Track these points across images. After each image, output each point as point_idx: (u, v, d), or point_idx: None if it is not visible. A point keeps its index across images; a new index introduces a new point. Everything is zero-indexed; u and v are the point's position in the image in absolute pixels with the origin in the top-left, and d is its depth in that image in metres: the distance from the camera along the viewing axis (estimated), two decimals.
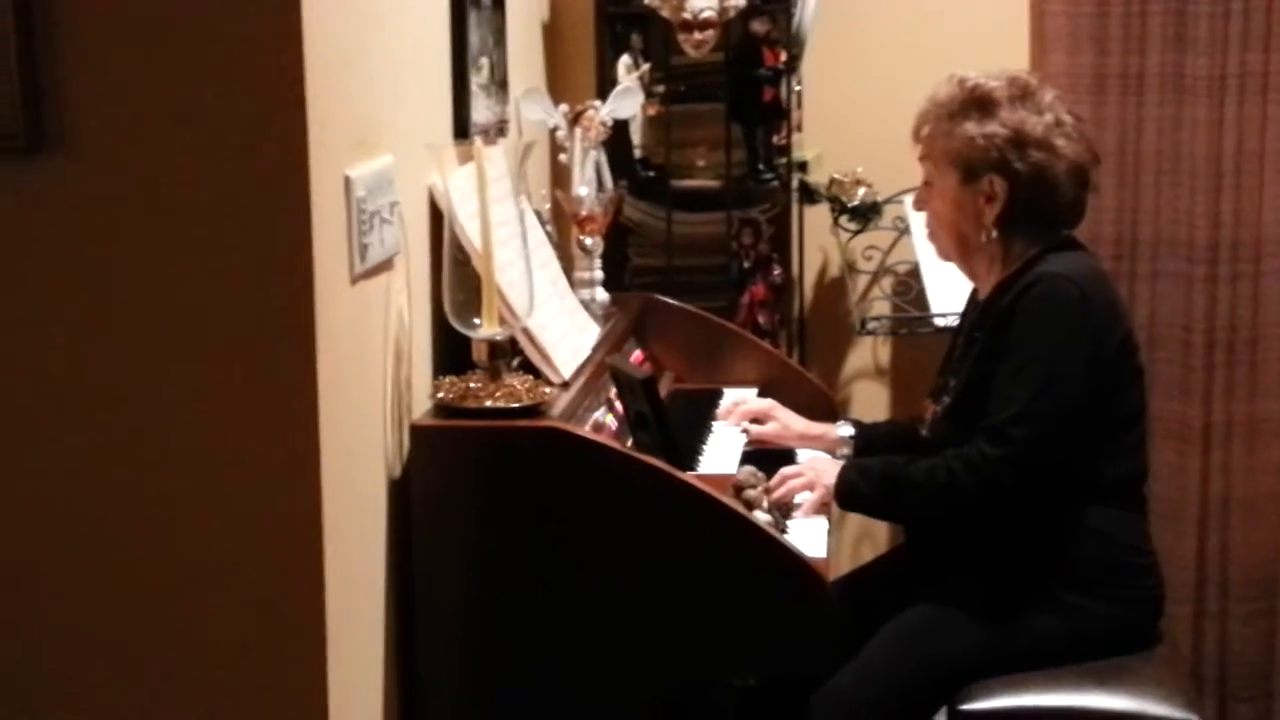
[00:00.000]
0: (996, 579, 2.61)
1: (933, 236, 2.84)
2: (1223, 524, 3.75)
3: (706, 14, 3.24)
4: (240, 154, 1.91)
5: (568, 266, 3.02)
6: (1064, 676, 2.56)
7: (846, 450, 2.98)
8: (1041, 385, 2.51)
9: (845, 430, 3.00)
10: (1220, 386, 3.70)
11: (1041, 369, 2.51)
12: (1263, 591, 3.77)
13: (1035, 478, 2.53)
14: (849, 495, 2.65)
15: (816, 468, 2.70)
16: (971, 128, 2.66)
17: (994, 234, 2.68)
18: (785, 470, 2.69)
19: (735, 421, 3.02)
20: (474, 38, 2.68)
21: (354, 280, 2.09)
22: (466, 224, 2.36)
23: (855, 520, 3.70)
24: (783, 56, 3.39)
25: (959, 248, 2.76)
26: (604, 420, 2.67)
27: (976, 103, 2.68)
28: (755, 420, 3.03)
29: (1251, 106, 3.60)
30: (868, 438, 2.99)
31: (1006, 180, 2.65)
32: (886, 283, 3.74)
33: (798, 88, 3.54)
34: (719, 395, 3.17)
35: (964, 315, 2.93)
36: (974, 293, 2.88)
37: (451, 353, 2.49)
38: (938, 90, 2.75)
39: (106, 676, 2.03)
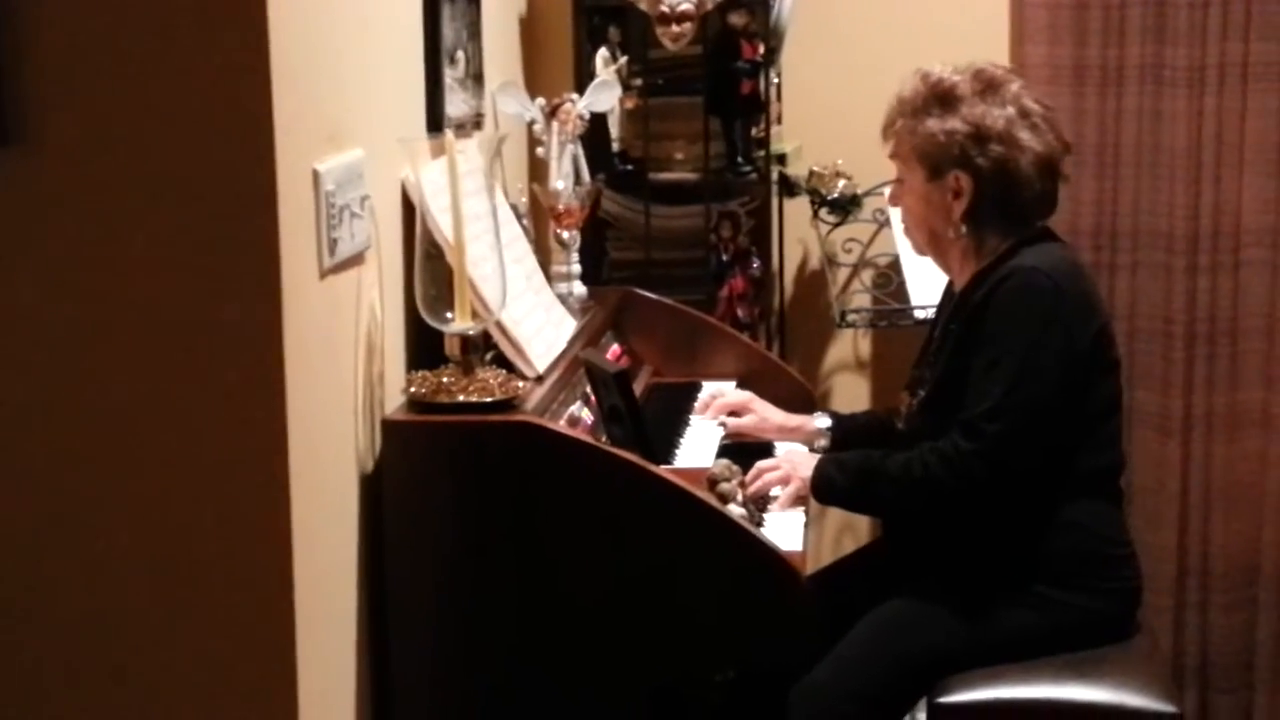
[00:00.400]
0: (974, 572, 2.61)
1: (907, 232, 2.85)
2: (1203, 515, 3.75)
3: (684, 7, 3.23)
4: (206, 147, 1.90)
5: (545, 260, 3.01)
6: (1042, 668, 2.56)
7: (824, 442, 2.97)
8: (1015, 379, 2.50)
9: (823, 422, 3.00)
10: (1200, 377, 3.70)
11: (1015, 362, 2.51)
12: (1243, 582, 3.77)
13: (1010, 471, 2.52)
14: (825, 489, 2.64)
15: (793, 461, 2.70)
16: (933, 124, 2.66)
17: (963, 229, 2.68)
18: (761, 464, 2.68)
19: (713, 415, 3.01)
20: (448, 31, 2.67)
21: (323, 275, 2.08)
22: (439, 217, 2.35)
23: (837, 513, 3.70)
24: (761, 49, 3.38)
25: (931, 243, 2.77)
26: (580, 415, 2.66)
27: (939, 98, 2.68)
28: (733, 413, 3.02)
29: (1231, 97, 3.59)
30: (845, 429, 2.99)
31: (970, 175, 2.65)
32: (867, 275, 3.74)
33: (776, 80, 3.53)
34: (697, 389, 3.16)
35: (940, 308, 2.93)
36: (950, 285, 2.87)
37: (425, 347, 2.48)
38: (903, 87, 2.75)
39: (69, 674, 2.02)
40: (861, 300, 3.72)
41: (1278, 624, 3.76)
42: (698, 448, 2.83)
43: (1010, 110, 2.65)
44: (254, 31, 1.87)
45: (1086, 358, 2.58)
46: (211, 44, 1.88)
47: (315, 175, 2.05)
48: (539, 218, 3.11)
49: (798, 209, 3.68)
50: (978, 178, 2.65)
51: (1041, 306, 2.53)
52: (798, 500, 2.64)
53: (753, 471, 2.65)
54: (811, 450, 2.97)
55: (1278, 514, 3.73)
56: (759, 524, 2.50)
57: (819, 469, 2.64)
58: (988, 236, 2.68)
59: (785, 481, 2.64)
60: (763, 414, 3.02)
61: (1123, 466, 2.72)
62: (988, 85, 2.68)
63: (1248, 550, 3.75)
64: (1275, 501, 3.73)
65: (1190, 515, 3.74)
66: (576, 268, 3.08)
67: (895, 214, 3.56)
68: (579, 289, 3.07)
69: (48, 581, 2.01)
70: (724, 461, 2.50)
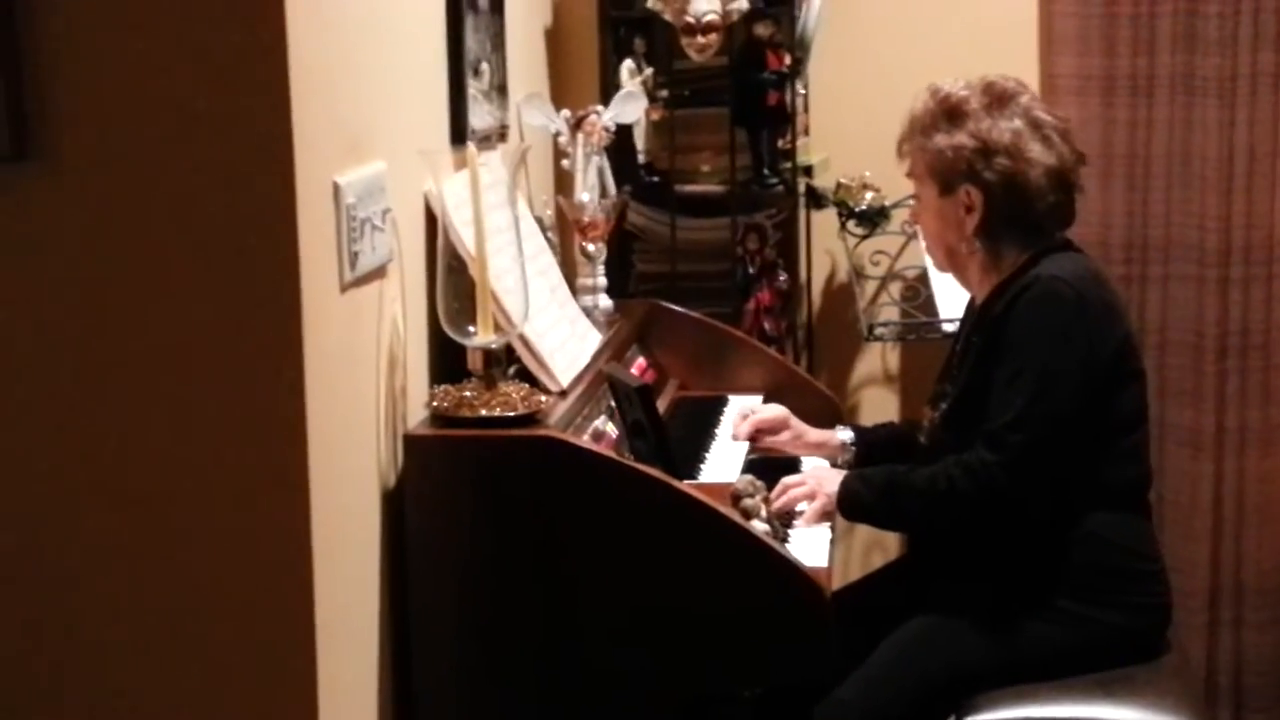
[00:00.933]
0: (999, 587, 2.58)
1: (929, 249, 2.85)
2: (1236, 531, 3.71)
3: (710, 17, 3.21)
4: (224, 160, 1.89)
5: (570, 273, 2.99)
6: (1070, 686, 2.52)
7: (849, 456, 2.95)
8: (1038, 390, 2.48)
9: (846, 435, 2.97)
10: (1233, 392, 3.66)
11: (1037, 373, 2.48)
12: (1277, 599, 3.72)
13: (1033, 482, 2.49)
14: (851, 504, 2.62)
15: (819, 476, 2.67)
16: (941, 139, 2.65)
17: (976, 244, 2.66)
18: (787, 480, 2.66)
19: (744, 435, 2.96)
20: (471, 42, 2.66)
21: (344, 288, 2.07)
22: (461, 230, 2.34)
23: (865, 529, 3.66)
24: (787, 60, 3.36)
25: (948, 258, 2.76)
26: (604, 429, 2.63)
27: (947, 114, 2.66)
28: (769, 431, 2.99)
29: (1263, 107, 3.56)
30: (868, 442, 2.96)
31: (980, 189, 2.63)
32: (894, 288, 3.71)
33: (803, 91, 3.50)
34: (724, 403, 3.14)
35: (962, 322, 2.90)
36: (971, 299, 2.84)
37: (447, 361, 2.46)
38: (915, 104, 2.74)
39: (93, 690, 2.01)
40: (889, 313, 3.69)
41: None
42: (723, 463, 2.80)
43: (1018, 123, 2.63)
44: (273, 42, 1.86)
45: (1109, 367, 2.55)
46: (230, 55, 1.87)
47: (336, 188, 2.03)
48: (564, 230, 3.09)
49: (825, 221, 3.65)
50: (987, 192, 2.63)
51: (1063, 316, 2.51)
52: (824, 516, 2.61)
53: (779, 487, 2.62)
54: (836, 465, 2.95)
55: None
56: (784, 540, 2.47)
57: (844, 485, 2.61)
58: (1004, 249, 2.66)
59: (811, 497, 2.61)
60: (798, 430, 2.99)
61: (1150, 479, 2.68)
62: (997, 98, 2.66)
63: None
64: None
65: (1223, 531, 3.70)
66: (602, 280, 3.06)
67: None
68: (604, 302, 3.05)
69: (74, 599, 1.99)
70: (748, 477, 2.48)
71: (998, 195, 2.63)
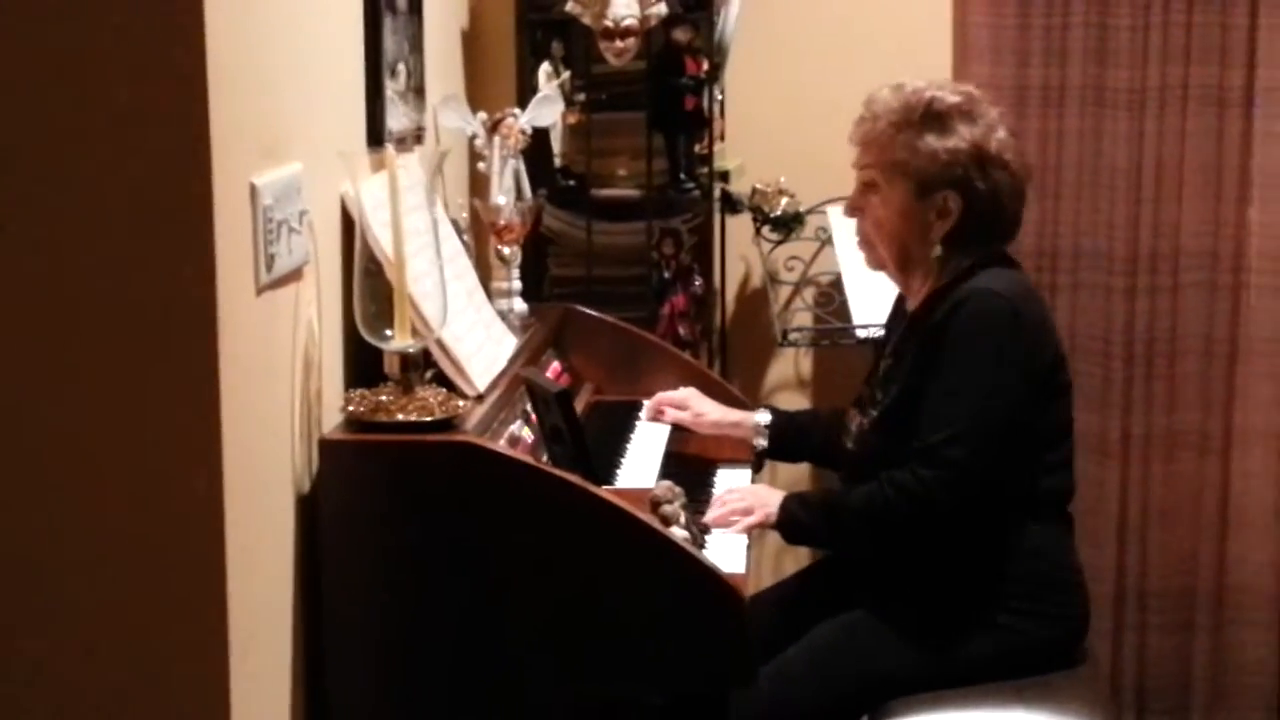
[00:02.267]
0: (927, 594, 2.59)
1: (866, 245, 2.76)
2: (1141, 536, 3.77)
3: (628, 22, 3.21)
4: (140, 159, 1.84)
5: (485, 277, 2.97)
6: (987, 693, 2.54)
7: (763, 439, 2.96)
8: (974, 405, 2.48)
9: (763, 417, 2.98)
10: (1139, 398, 3.71)
11: (974, 388, 2.48)
12: (1180, 604, 3.79)
13: (971, 496, 2.50)
14: (790, 527, 2.61)
15: (757, 493, 2.66)
16: (933, 141, 2.59)
17: (939, 249, 2.64)
18: (723, 494, 2.66)
19: (652, 410, 3.00)
20: (389, 43, 2.63)
21: (260, 291, 2.03)
22: (379, 233, 2.31)
23: (772, 535, 3.67)
24: (705, 65, 3.36)
25: (899, 259, 2.69)
26: (520, 434, 2.62)
27: (936, 116, 2.61)
28: (674, 407, 3.02)
29: (1171, 119, 3.61)
30: (784, 427, 2.97)
31: (963, 197, 2.60)
32: (809, 293, 3.72)
33: (720, 97, 3.51)
34: (639, 408, 3.12)
35: (890, 325, 2.90)
36: (899, 303, 2.85)
37: (362, 366, 2.43)
38: (881, 97, 2.67)
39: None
40: (803, 319, 3.71)
41: (1214, 646, 3.78)
42: (639, 468, 2.80)
43: (1001, 133, 2.63)
44: (192, 41, 1.82)
45: (1044, 381, 2.56)
46: (147, 53, 1.83)
47: (253, 189, 2.00)
48: (479, 233, 3.07)
49: (740, 226, 3.66)
50: (971, 199, 2.60)
51: (1000, 331, 2.51)
52: (750, 529, 2.61)
53: (716, 500, 2.63)
54: (754, 449, 2.97)
55: (1214, 535, 3.75)
56: (701, 546, 2.47)
57: (783, 509, 2.60)
58: (954, 257, 2.64)
59: (748, 513, 2.60)
60: (698, 409, 3.01)
61: (1074, 491, 2.70)
62: (979, 105, 2.64)
63: (1184, 572, 3.77)
64: (1212, 523, 3.75)
65: (1128, 536, 3.76)
66: (517, 284, 3.04)
67: (839, 231, 3.57)
68: (519, 306, 3.03)
69: None
70: (666, 483, 2.47)
71: (979, 205, 2.61)
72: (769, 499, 2.65)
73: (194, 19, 1.82)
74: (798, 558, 3.77)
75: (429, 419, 2.27)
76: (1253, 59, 3.59)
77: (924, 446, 2.51)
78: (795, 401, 3.83)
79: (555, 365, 3.07)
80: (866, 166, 2.69)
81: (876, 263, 2.76)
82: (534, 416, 2.68)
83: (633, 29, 3.22)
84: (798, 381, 3.86)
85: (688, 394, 3.04)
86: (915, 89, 2.65)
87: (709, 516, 2.61)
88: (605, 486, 2.49)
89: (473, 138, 3.03)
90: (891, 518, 2.52)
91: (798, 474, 3.62)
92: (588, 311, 3.22)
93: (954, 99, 2.62)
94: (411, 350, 2.29)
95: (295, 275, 2.18)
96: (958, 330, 2.52)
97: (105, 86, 1.84)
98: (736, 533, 2.60)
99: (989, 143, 2.60)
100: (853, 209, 2.75)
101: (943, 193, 2.60)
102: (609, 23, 3.21)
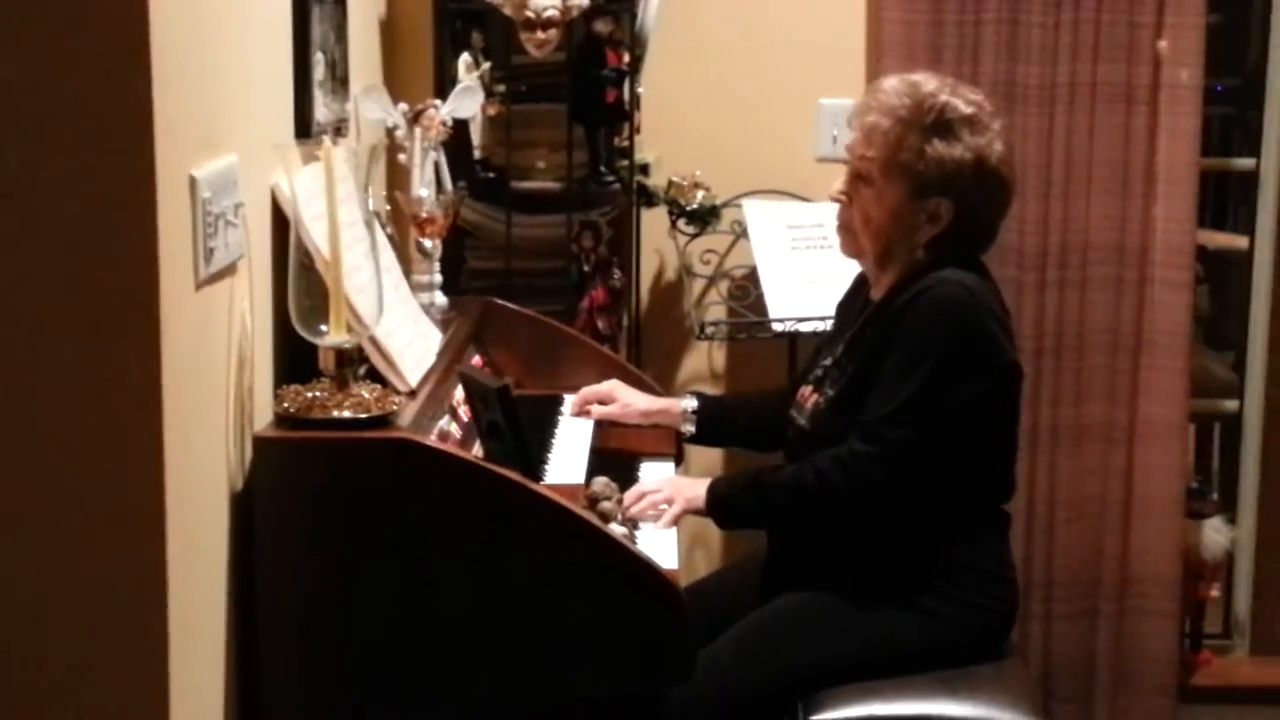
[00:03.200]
0: (859, 581, 2.60)
1: (846, 233, 2.73)
2: (1048, 526, 3.82)
3: (549, 13, 3.18)
4: (82, 150, 1.80)
5: (405, 270, 2.93)
6: (914, 684, 2.56)
7: (690, 425, 2.97)
8: (921, 388, 2.49)
9: (689, 403, 2.99)
10: (1047, 391, 3.76)
11: (923, 371, 2.49)
12: (1084, 593, 3.85)
13: (905, 478, 2.51)
14: (719, 508, 2.61)
15: (675, 483, 2.67)
16: (940, 148, 2.58)
17: (921, 252, 2.64)
18: (642, 486, 2.65)
19: (578, 404, 2.99)
20: (316, 33, 2.59)
21: (199, 285, 2.00)
22: (312, 226, 2.27)
23: (687, 528, 3.68)
24: (626, 58, 3.34)
25: (879, 254, 2.68)
26: (448, 429, 2.60)
27: (946, 124, 2.59)
28: (599, 402, 3.01)
29: (1080, 115, 3.66)
30: (712, 411, 2.97)
31: (955, 206, 2.60)
32: (723, 286, 3.73)
33: (639, 89, 3.50)
34: (559, 401, 3.11)
35: (845, 307, 2.90)
36: (858, 286, 2.84)
37: (292, 361, 2.40)
38: (891, 89, 2.64)
39: None
40: (718, 312, 3.71)
41: (1117, 634, 3.84)
42: (567, 463, 2.78)
43: (1000, 145, 2.62)
44: (135, 26, 1.78)
45: (998, 379, 2.58)
46: (90, 38, 1.78)
47: (192, 181, 1.96)
48: (399, 226, 3.03)
49: (655, 219, 3.65)
50: (963, 209, 2.60)
51: (958, 319, 2.52)
52: (675, 520, 2.61)
53: (633, 493, 2.61)
54: (680, 436, 2.98)
55: (1119, 527, 3.81)
56: (634, 543, 2.46)
57: (712, 490, 2.61)
58: (931, 256, 2.64)
59: (669, 502, 2.60)
60: (626, 399, 3.00)
61: (1013, 490, 2.73)
62: (987, 117, 2.63)
63: (1089, 562, 3.83)
64: (1116, 514, 3.81)
65: (1035, 527, 3.81)
66: (438, 278, 3.01)
67: (754, 224, 3.58)
68: (440, 299, 3.01)
69: None
70: (603, 479, 2.46)
71: (970, 214, 2.61)
72: (689, 487, 2.66)
73: (138, 5, 1.78)
74: (709, 550, 3.80)
75: (365, 415, 2.24)
76: (1158, 56, 3.64)
77: (867, 423, 2.52)
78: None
79: (476, 359, 3.04)
80: (865, 159, 2.65)
81: (854, 251, 2.74)
82: (461, 411, 2.67)
83: (554, 20, 3.20)
84: (711, 374, 3.86)
85: (612, 386, 3.04)
86: (929, 90, 2.62)
87: (631, 510, 2.61)
88: (538, 483, 2.48)
89: (393, 129, 2.99)
90: (823, 489, 2.53)
91: (712, 464, 3.63)
92: (508, 305, 3.20)
93: (967, 110, 2.61)
94: (347, 346, 2.26)
95: (230, 269, 2.14)
96: (916, 315, 2.54)
97: (49, 76, 1.79)
98: (664, 525, 2.60)
99: (989, 155, 2.60)
100: (841, 196, 2.71)
101: (937, 199, 2.60)
102: (530, 14, 3.19)
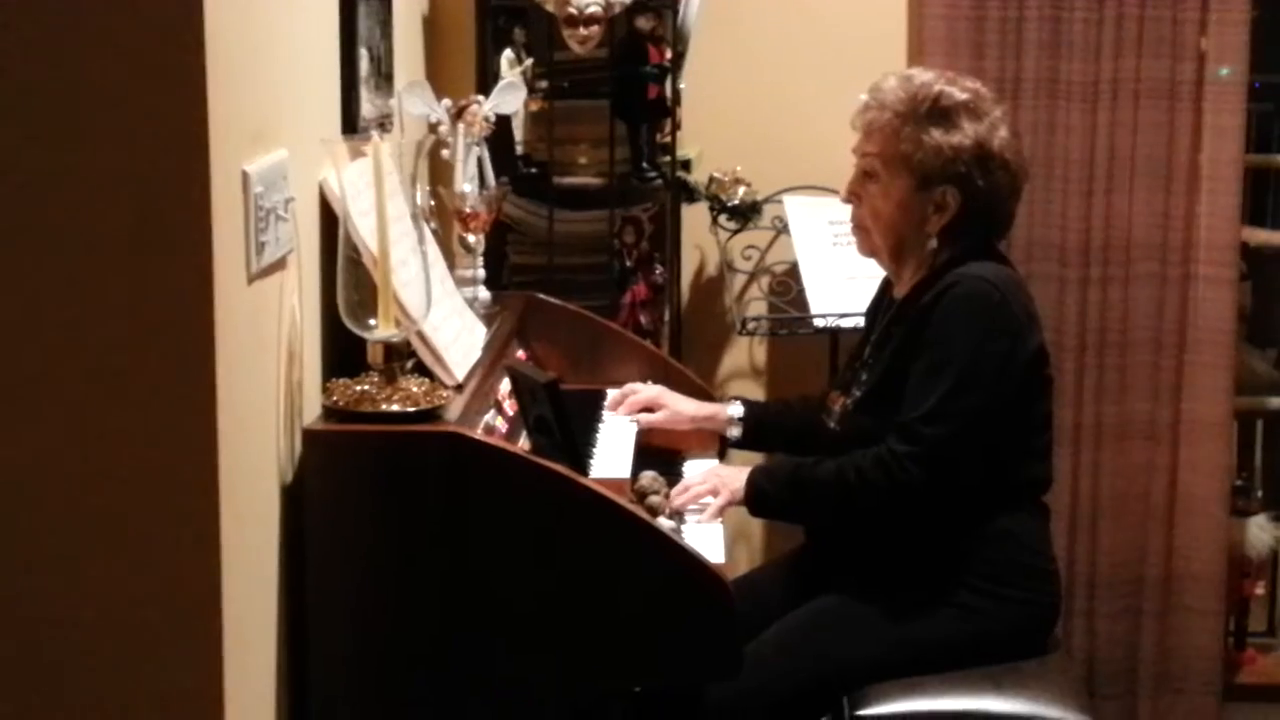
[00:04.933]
0: (901, 578, 2.60)
1: (860, 231, 2.76)
2: (1091, 523, 3.81)
3: (592, 9, 3.19)
4: (138, 146, 1.81)
5: (449, 265, 2.94)
6: (960, 680, 2.57)
7: (736, 430, 2.96)
8: (955, 384, 2.49)
9: (735, 410, 2.98)
10: (1090, 388, 3.75)
11: (956, 368, 2.50)
12: (1128, 590, 3.83)
13: (945, 476, 2.51)
14: (758, 500, 2.62)
15: (720, 474, 2.67)
16: (938, 136, 2.60)
17: (934, 242, 2.65)
18: (688, 479, 2.65)
19: (626, 412, 2.98)
20: (362, 28, 2.60)
21: (251, 280, 2.00)
22: (360, 221, 2.28)
23: (730, 523, 3.68)
24: (667, 54, 3.35)
25: (893, 249, 2.71)
26: (494, 424, 2.60)
27: (942, 111, 2.62)
28: (645, 409, 3.00)
29: (1124, 112, 3.65)
30: (757, 417, 2.97)
31: (961, 193, 2.62)
32: (764, 282, 3.73)
33: (681, 85, 3.50)
34: (602, 396, 3.11)
35: (874, 309, 2.90)
36: (884, 288, 2.85)
37: (340, 355, 2.40)
38: (888, 86, 2.67)
39: None
40: (758, 307, 3.71)
41: (1161, 631, 3.83)
42: (613, 458, 2.79)
43: (1004, 131, 2.64)
44: (190, 26, 1.79)
45: (1026, 369, 2.58)
46: (145, 38, 1.79)
47: (245, 176, 1.97)
48: (443, 221, 3.04)
49: (696, 215, 3.65)
50: (969, 196, 2.62)
51: (987, 315, 2.53)
52: (720, 512, 2.61)
53: (679, 487, 2.61)
54: (723, 439, 2.95)
55: (1162, 523, 3.80)
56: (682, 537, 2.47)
57: (751, 481, 2.62)
58: (947, 249, 2.66)
59: (714, 494, 2.61)
60: (675, 407, 3.00)
61: (1051, 481, 2.73)
62: (985, 103, 2.65)
63: (1133, 559, 3.82)
64: (1160, 511, 3.80)
65: (1078, 525, 3.80)
66: (481, 273, 3.02)
67: (795, 220, 3.58)
68: (484, 294, 3.01)
69: None
70: (651, 474, 2.47)
71: (977, 201, 2.62)
72: (733, 478, 2.66)
73: (194, 4, 1.79)
74: (751, 545, 3.79)
75: (413, 409, 2.25)
76: (1203, 52, 3.63)
77: (903, 422, 2.53)
78: (751, 390, 3.83)
79: (520, 354, 3.05)
80: (868, 155, 2.68)
81: (869, 249, 2.77)
82: (506, 405, 2.67)
83: (597, 16, 3.20)
84: (752, 370, 3.86)
85: (659, 392, 3.03)
86: (923, 82, 2.66)
87: (676, 502, 2.62)
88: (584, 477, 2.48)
89: (436, 124, 2.99)
90: (863, 489, 2.53)
91: (754, 460, 3.62)
92: (551, 300, 3.20)
93: (962, 96, 2.64)
94: (395, 340, 2.27)
95: (280, 264, 2.15)
96: (943, 312, 2.54)
97: (104, 75, 1.80)
98: (708, 518, 2.61)
99: (992, 141, 2.61)
100: (850, 195, 2.74)
101: (942, 188, 2.62)
102: (573, 10, 3.19)
